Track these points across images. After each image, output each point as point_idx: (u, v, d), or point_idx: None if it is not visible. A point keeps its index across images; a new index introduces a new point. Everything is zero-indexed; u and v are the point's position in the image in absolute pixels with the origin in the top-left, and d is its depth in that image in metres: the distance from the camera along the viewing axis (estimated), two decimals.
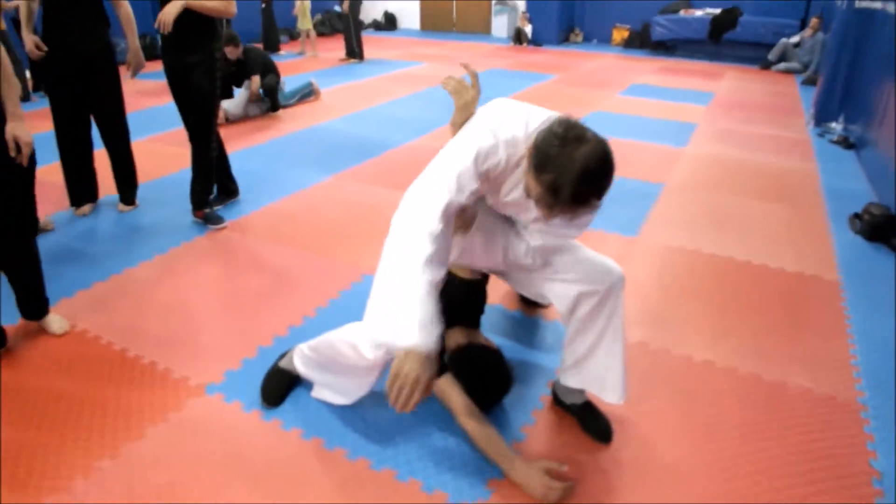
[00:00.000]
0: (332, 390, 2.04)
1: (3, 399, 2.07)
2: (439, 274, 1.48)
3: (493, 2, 12.41)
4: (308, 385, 2.13)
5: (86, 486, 1.76)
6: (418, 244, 1.46)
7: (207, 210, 3.45)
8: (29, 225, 2.35)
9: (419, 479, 1.80)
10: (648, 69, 8.95)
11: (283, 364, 2.14)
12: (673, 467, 1.86)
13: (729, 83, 8.13)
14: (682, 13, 9.94)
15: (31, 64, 6.01)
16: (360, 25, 9.17)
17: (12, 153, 2.08)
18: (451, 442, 1.94)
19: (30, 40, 3.19)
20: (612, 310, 1.81)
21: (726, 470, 1.86)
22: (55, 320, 2.46)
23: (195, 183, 3.42)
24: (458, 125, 1.74)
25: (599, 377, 1.88)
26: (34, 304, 2.42)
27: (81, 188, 3.56)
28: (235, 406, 2.08)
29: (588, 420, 2.00)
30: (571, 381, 1.97)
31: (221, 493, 1.74)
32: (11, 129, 2.07)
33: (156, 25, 3.00)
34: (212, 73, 3.19)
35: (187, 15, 3.00)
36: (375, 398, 2.12)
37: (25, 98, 6.17)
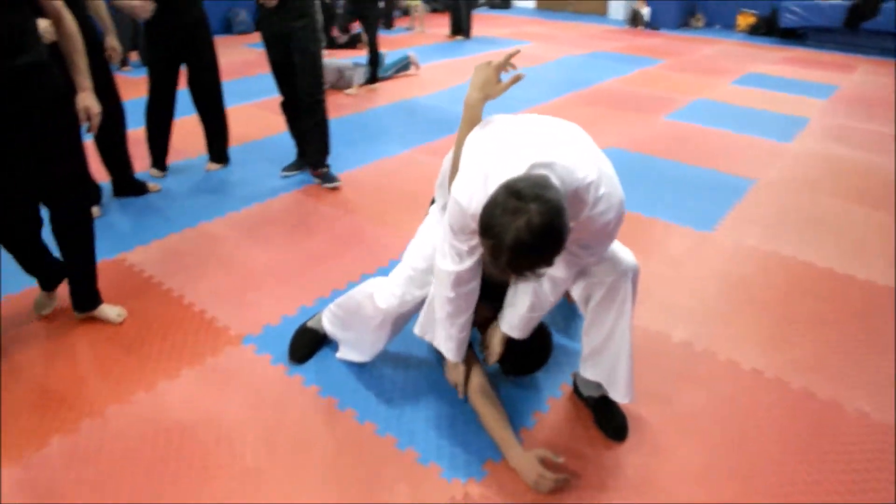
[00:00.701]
0: (351, 347, 2.12)
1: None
2: (461, 319, 1.78)
3: None
4: (335, 347, 2.20)
5: (118, 412, 1.93)
6: (441, 306, 1.78)
7: (324, 169, 3.64)
8: (86, 197, 2.27)
9: (418, 450, 1.81)
10: (771, 58, 8.28)
11: (311, 323, 2.24)
12: (682, 477, 1.76)
13: (859, 77, 7.37)
14: None
15: (133, 30, 6.51)
16: (472, 2, 9.14)
17: (83, 122, 2.14)
18: (460, 419, 1.94)
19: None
20: (622, 303, 1.72)
21: (746, 484, 1.73)
22: (111, 309, 2.37)
23: (312, 143, 3.58)
24: (468, 106, 1.71)
25: (610, 371, 1.81)
26: (85, 291, 2.32)
27: (163, 152, 3.80)
28: (265, 358, 2.19)
29: (603, 415, 1.93)
30: (588, 372, 1.90)
31: (234, 436, 1.85)
32: (82, 99, 2.12)
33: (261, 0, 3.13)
34: (317, 34, 3.33)
35: None
36: (397, 366, 2.16)
37: (123, 63, 6.59)
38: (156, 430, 1.87)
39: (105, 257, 2.80)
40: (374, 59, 5.93)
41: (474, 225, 1.43)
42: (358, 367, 2.14)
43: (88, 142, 2.49)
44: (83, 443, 1.81)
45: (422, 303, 1.93)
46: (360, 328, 2.04)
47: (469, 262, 1.62)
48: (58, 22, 2.05)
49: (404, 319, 2.01)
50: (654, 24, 10.63)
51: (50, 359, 2.17)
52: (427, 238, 1.96)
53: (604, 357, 1.82)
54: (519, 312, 1.73)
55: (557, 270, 1.62)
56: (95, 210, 3.22)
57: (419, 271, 1.92)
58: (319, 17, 3.37)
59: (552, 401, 2.04)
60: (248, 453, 1.79)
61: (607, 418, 1.92)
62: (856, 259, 2.98)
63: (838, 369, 2.22)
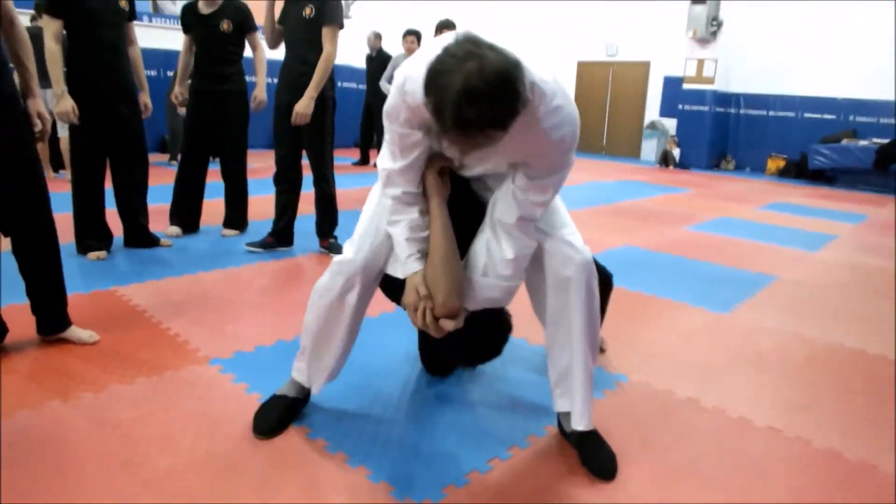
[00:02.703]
0: (318, 356, 1.79)
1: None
2: (403, 218, 1.54)
3: (645, 126, 12.50)
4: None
5: (61, 407, 1.80)
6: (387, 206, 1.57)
7: (332, 239, 3.63)
8: (43, 202, 2.10)
9: (370, 468, 1.60)
10: (800, 193, 8.31)
11: (282, 390, 1.85)
12: None
13: (889, 211, 7.28)
14: (844, 142, 9.27)
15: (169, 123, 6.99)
16: None
17: (36, 128, 2.08)
18: (418, 438, 1.73)
19: (180, 90, 3.82)
20: (582, 306, 1.57)
21: None
22: (83, 331, 2.25)
23: (321, 214, 3.58)
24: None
25: (571, 394, 1.63)
26: (51, 314, 2.19)
27: (191, 218, 3.92)
28: (227, 377, 2.05)
29: (588, 452, 1.69)
30: (559, 402, 1.72)
31: (177, 435, 1.69)
32: (35, 104, 2.07)
33: (294, 122, 3.26)
34: (326, 110, 3.41)
35: (305, 69, 3.29)
36: (351, 387, 1.99)
37: (174, 158, 6.93)
38: (90, 423, 1.71)
39: (97, 288, 2.78)
40: None
41: (405, 112, 1.35)
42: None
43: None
44: (14, 426, 1.68)
45: (379, 258, 1.67)
46: (322, 312, 1.73)
47: (402, 162, 1.48)
48: (10, 25, 2.02)
49: (364, 282, 1.68)
50: (684, 164, 10.92)
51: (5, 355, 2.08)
52: (371, 202, 1.73)
53: (572, 379, 1.64)
54: (471, 277, 1.56)
55: (506, 212, 1.49)
56: (101, 254, 3.25)
57: (364, 225, 1.69)
58: (330, 94, 3.44)
59: (534, 438, 1.81)
60: (178, 453, 1.61)
61: (592, 455, 1.68)
62: (888, 342, 2.72)
63: (868, 432, 1.94)
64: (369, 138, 8.47)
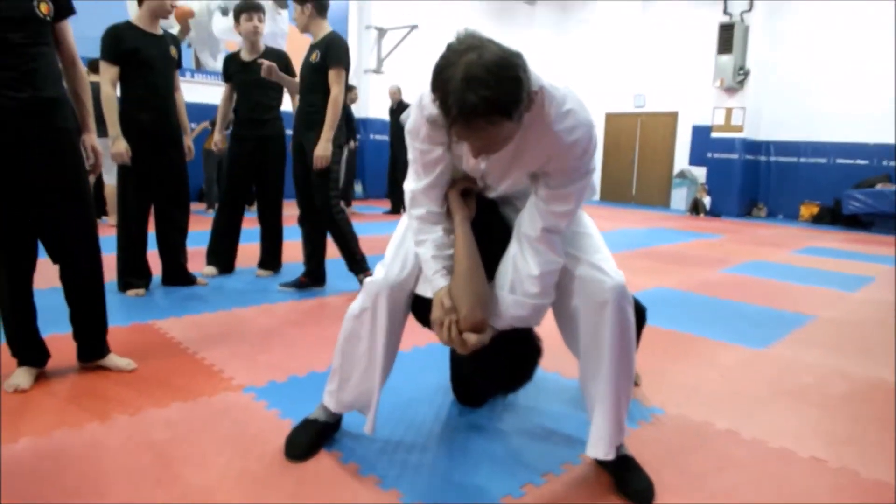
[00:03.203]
0: (350, 382, 1.78)
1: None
2: (429, 237, 1.58)
3: (674, 175, 12.50)
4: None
5: (98, 428, 1.84)
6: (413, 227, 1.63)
7: (367, 273, 3.57)
8: (94, 242, 2.21)
9: (402, 490, 1.59)
10: (834, 238, 8.16)
11: (314, 415, 1.85)
12: None
13: None
14: (878, 186, 9.13)
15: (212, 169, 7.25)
16: None
17: (89, 161, 2.20)
18: (451, 465, 1.71)
19: (220, 138, 3.98)
20: (616, 331, 1.55)
21: None
22: (121, 359, 2.31)
23: (343, 252, 3.59)
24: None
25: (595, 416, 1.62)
26: (91, 341, 2.25)
27: (227, 258, 4.03)
28: (261, 404, 2.07)
29: (623, 478, 1.65)
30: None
31: (210, 455, 1.71)
32: (89, 139, 2.21)
33: (315, 166, 3.36)
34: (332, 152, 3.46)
35: (311, 110, 3.41)
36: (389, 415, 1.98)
37: (210, 206, 7.28)
38: (126, 443, 1.74)
39: (136, 321, 2.85)
40: None
41: (425, 128, 1.42)
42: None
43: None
44: (52, 444, 1.71)
45: (408, 278, 1.68)
46: (352, 331, 1.73)
47: (425, 181, 1.53)
48: (72, 64, 2.17)
49: (392, 300, 1.66)
50: (715, 212, 10.85)
51: (41, 379, 2.15)
52: (399, 234, 1.77)
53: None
54: (499, 293, 1.56)
55: (530, 225, 1.50)
56: (140, 291, 3.34)
57: (393, 247, 1.73)
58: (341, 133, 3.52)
59: (569, 466, 1.77)
60: (210, 471, 1.62)
61: (628, 481, 1.64)
62: None
63: None
64: (396, 188, 8.65)
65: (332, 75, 3.36)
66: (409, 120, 1.50)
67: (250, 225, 4.12)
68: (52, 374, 2.22)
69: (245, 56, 3.84)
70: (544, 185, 1.47)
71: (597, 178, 13.55)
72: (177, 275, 3.58)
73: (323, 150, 3.35)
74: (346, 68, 3.41)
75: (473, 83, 1.16)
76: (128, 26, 3.24)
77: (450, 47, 1.23)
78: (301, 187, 3.61)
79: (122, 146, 3.16)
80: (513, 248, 1.56)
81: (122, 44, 3.18)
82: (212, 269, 3.92)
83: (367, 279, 1.71)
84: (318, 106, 3.39)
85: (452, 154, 1.55)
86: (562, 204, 1.48)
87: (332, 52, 3.35)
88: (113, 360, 2.29)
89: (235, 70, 3.86)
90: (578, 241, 1.63)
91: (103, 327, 2.28)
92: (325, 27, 3.46)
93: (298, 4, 3.41)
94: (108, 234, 3.43)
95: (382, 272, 1.69)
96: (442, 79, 1.21)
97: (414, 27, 9.91)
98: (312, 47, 3.44)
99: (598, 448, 1.62)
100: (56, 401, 2.02)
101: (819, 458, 1.88)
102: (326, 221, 3.57)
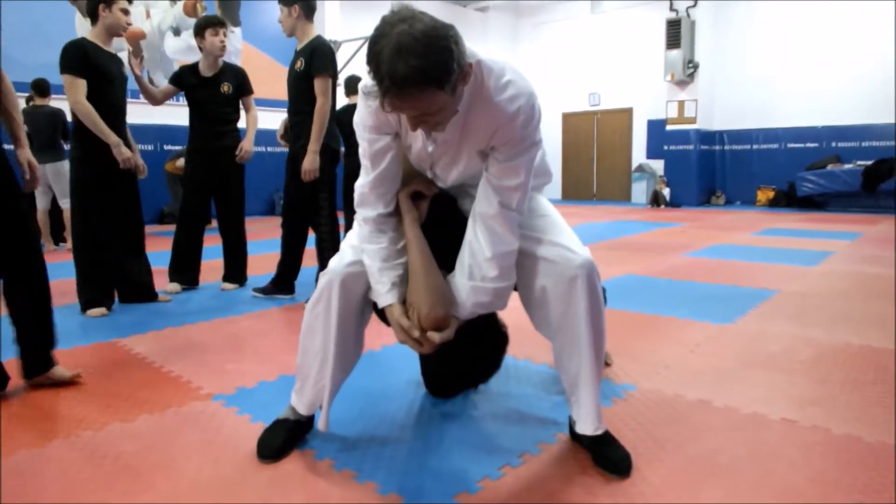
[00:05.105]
0: (306, 373, 1.77)
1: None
2: (375, 246, 1.58)
3: (633, 170, 12.71)
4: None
5: (61, 445, 1.77)
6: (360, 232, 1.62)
7: None
8: (35, 250, 2.17)
9: (378, 482, 1.56)
10: (793, 219, 8.39)
11: (285, 414, 1.81)
12: None
13: (884, 226, 7.32)
14: (829, 167, 9.42)
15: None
16: None
17: (27, 176, 2.17)
18: (426, 453, 1.69)
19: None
20: (587, 306, 1.55)
21: None
22: (63, 370, 2.22)
23: (319, 261, 3.49)
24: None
25: (579, 396, 1.62)
26: (37, 356, 2.17)
27: (190, 273, 3.94)
28: (231, 410, 2.02)
29: (601, 452, 1.64)
30: (575, 409, 1.68)
31: (179, 463, 1.65)
32: (23, 153, 2.16)
33: (304, 179, 3.30)
34: (325, 160, 3.39)
35: (298, 118, 3.38)
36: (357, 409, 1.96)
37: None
38: (91, 456, 1.68)
39: (99, 340, 2.78)
40: None
41: (370, 119, 1.44)
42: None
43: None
44: (16, 463, 1.64)
45: (361, 265, 1.64)
46: (309, 321, 1.72)
47: (373, 174, 1.54)
48: None
49: (346, 287, 1.63)
50: (675, 203, 11.06)
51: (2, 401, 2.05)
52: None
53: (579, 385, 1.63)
54: (458, 281, 1.56)
55: (485, 203, 1.50)
56: (103, 310, 3.24)
57: (349, 239, 1.71)
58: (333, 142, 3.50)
59: (545, 445, 1.77)
60: (180, 478, 1.57)
61: (606, 454, 1.64)
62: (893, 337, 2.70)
63: (886, 419, 1.90)
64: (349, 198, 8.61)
65: (318, 84, 3.28)
66: (356, 112, 1.50)
67: (212, 242, 4.05)
68: (12, 394, 2.14)
69: (205, 71, 3.78)
70: (494, 161, 1.48)
71: (557, 176, 13.75)
72: (138, 292, 3.49)
73: (310, 163, 3.29)
74: (333, 76, 3.34)
75: (404, 53, 1.17)
76: (88, 42, 3.18)
77: (383, 20, 1.24)
78: (289, 196, 3.58)
79: (126, 152, 3.20)
80: (469, 234, 1.56)
81: (89, 58, 3.11)
82: (175, 286, 3.82)
83: (324, 271, 1.69)
84: (305, 115, 3.32)
85: (402, 144, 1.55)
86: (512, 177, 1.48)
87: (317, 60, 3.27)
88: (56, 371, 2.19)
89: (193, 84, 3.78)
90: (538, 223, 1.64)
91: (49, 340, 2.20)
92: (311, 31, 3.39)
93: (285, 6, 3.33)
94: (68, 259, 3.34)
95: (336, 260, 1.67)
96: (375, 50, 1.22)
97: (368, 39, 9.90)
98: (297, 54, 3.38)
99: (588, 423, 1.63)
100: (16, 423, 1.93)
101: (790, 419, 1.91)
102: (314, 227, 3.52)
